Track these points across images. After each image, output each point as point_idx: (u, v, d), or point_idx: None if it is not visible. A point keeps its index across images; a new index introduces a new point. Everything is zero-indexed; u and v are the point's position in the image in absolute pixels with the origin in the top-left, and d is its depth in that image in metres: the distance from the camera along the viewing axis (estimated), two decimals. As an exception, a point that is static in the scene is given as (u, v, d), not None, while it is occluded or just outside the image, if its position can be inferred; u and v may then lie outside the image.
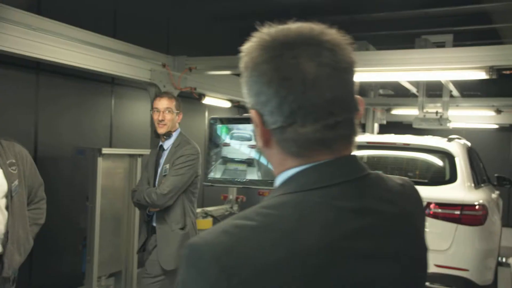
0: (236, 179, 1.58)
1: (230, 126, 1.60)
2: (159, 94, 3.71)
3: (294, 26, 0.87)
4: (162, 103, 3.65)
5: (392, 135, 5.29)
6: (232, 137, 1.58)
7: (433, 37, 6.48)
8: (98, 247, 4.93)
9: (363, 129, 11.28)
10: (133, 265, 5.47)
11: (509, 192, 10.99)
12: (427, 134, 6.31)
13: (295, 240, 0.76)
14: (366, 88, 9.72)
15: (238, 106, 8.19)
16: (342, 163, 0.86)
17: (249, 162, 1.58)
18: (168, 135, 3.68)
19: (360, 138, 5.31)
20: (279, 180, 0.90)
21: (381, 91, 10.30)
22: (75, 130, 5.78)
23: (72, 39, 4.49)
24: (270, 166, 1.56)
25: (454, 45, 6.43)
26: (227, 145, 1.59)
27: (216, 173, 1.60)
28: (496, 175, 6.73)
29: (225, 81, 6.76)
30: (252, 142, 1.60)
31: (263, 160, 1.58)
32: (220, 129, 1.58)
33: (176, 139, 3.71)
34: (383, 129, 9.89)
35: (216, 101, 7.03)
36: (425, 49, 5.12)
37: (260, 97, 0.85)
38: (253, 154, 1.57)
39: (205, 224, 6.45)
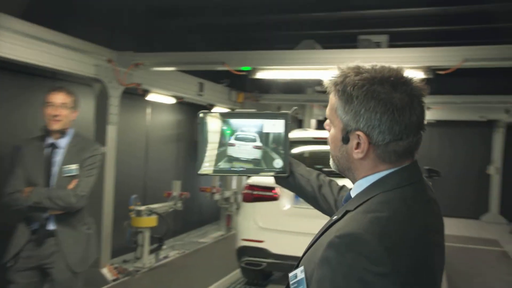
0: (232, 169, 1.65)
1: (235, 127, 1.63)
2: (55, 88, 3.35)
3: (386, 67, 1.20)
4: (58, 98, 3.31)
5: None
6: (236, 138, 1.63)
7: (370, 37, 6.78)
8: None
9: (300, 125, 11.60)
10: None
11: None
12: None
13: (414, 223, 1.10)
14: (303, 85, 9.98)
15: (182, 103, 8.11)
16: (415, 166, 1.22)
17: (255, 162, 1.65)
18: (62, 132, 3.37)
19: (306, 134, 5.48)
20: (368, 179, 1.21)
21: (318, 88, 10.60)
22: (11, 127, 5.46)
23: (7, 30, 4.23)
24: (276, 163, 1.60)
25: (390, 46, 6.78)
26: (232, 145, 1.64)
27: (214, 166, 1.65)
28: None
29: (170, 77, 6.68)
30: (257, 143, 1.66)
31: (266, 160, 1.66)
32: (225, 130, 1.63)
33: (74, 137, 3.42)
34: (321, 125, 10.23)
35: (160, 97, 6.93)
36: (369, 49, 5.38)
37: (372, 121, 1.14)
38: (258, 154, 1.65)
39: (149, 221, 6.34)
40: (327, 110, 1.28)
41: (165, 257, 7.18)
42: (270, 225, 5.06)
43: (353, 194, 1.25)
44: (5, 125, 5.45)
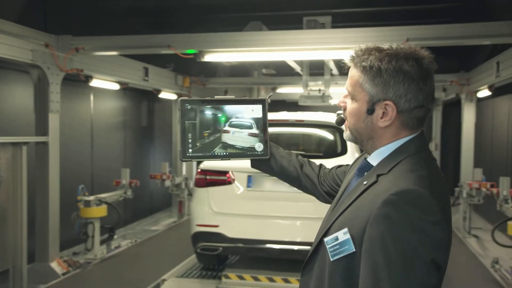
0: (215, 154, 1.64)
1: (229, 114, 1.63)
2: None
3: (403, 46, 1.35)
4: None
5: (285, 112, 5.53)
6: (231, 125, 1.64)
7: (316, 18, 6.83)
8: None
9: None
10: (22, 262, 5.06)
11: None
12: (312, 111, 6.69)
13: (442, 180, 1.34)
14: (249, 68, 9.96)
15: (127, 89, 7.87)
16: (424, 134, 1.40)
17: (249, 149, 1.67)
18: None
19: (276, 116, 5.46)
20: (388, 147, 1.37)
21: (264, 71, 10.61)
22: None
23: None
24: (258, 146, 1.69)
25: (333, 27, 6.87)
26: (226, 132, 1.64)
27: (198, 152, 1.64)
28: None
29: (113, 62, 6.45)
30: (253, 131, 1.66)
31: (259, 146, 1.69)
32: (220, 118, 1.63)
33: None
34: (268, 108, 10.25)
35: (103, 83, 6.68)
36: (315, 29, 5.41)
37: (400, 91, 1.30)
38: (254, 142, 1.66)
39: (99, 211, 6.17)
40: (348, 87, 1.39)
41: (117, 247, 7.02)
42: (225, 210, 5.04)
43: (373, 161, 1.39)
44: None
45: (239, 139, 1.65)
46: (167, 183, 8.41)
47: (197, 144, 1.61)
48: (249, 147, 1.67)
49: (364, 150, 1.45)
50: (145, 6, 5.95)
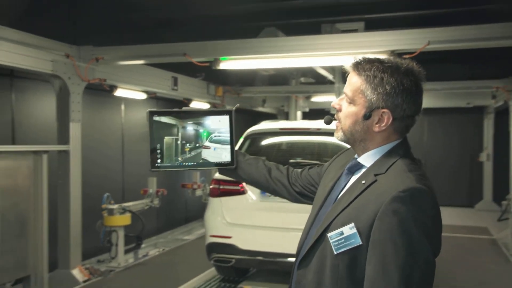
0: (183, 163, 1.69)
1: (212, 130, 1.69)
2: None
3: (399, 59, 1.50)
4: None
5: (305, 121, 5.34)
6: (211, 140, 1.70)
7: (344, 25, 6.58)
8: (-2, 252, 4.59)
9: (287, 117, 11.43)
10: (43, 269, 5.15)
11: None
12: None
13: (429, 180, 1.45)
14: (287, 76, 9.80)
15: (155, 98, 7.95)
16: (406, 139, 1.55)
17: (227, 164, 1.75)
18: None
19: (273, 125, 5.32)
20: (381, 149, 1.50)
21: (302, 79, 10.42)
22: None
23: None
24: (224, 156, 1.74)
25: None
26: (207, 147, 1.70)
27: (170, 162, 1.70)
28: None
29: (139, 71, 6.52)
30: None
31: (225, 156, 1.74)
32: (201, 133, 1.69)
33: None
34: (307, 117, 10.04)
35: (130, 93, 6.76)
36: (331, 34, 5.19)
37: (397, 101, 1.43)
38: (228, 158, 1.73)
39: (122, 220, 6.21)
40: (348, 91, 1.49)
41: (145, 256, 7.05)
42: (238, 220, 4.91)
43: (365, 162, 1.51)
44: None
45: (218, 155, 1.71)
46: (198, 192, 8.38)
47: (179, 158, 1.68)
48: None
49: (355, 150, 1.57)
50: (164, 17, 5.95)
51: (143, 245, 7.25)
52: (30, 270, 5.11)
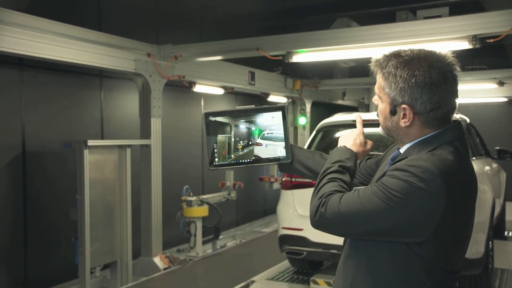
0: (239, 161, 1.74)
1: (263, 127, 1.73)
2: None
3: (422, 49, 1.47)
4: None
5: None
6: (263, 137, 1.74)
7: (428, 11, 6.28)
8: (89, 239, 4.97)
9: (367, 109, 11.12)
10: (127, 256, 5.50)
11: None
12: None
13: (466, 167, 1.47)
14: (368, 68, 9.54)
15: (234, 93, 8.12)
16: (457, 126, 1.51)
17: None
18: None
19: (346, 117, 5.21)
20: (417, 141, 1.49)
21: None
22: (64, 124, 5.80)
23: (52, 33, 4.49)
24: (279, 151, 1.77)
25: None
26: (259, 144, 1.75)
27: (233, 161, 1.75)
28: (496, 148, 6.55)
29: (216, 67, 6.70)
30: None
31: (280, 151, 1.77)
32: (253, 131, 1.74)
33: None
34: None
35: (208, 88, 6.97)
36: (406, 22, 4.97)
37: (414, 95, 1.42)
38: (283, 153, 1.76)
39: (200, 211, 6.45)
40: (376, 89, 1.53)
41: (222, 247, 7.26)
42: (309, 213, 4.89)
43: (405, 152, 1.51)
44: (66, 124, 5.81)
45: (271, 151, 1.75)
46: (276, 185, 8.45)
47: (232, 155, 1.73)
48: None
49: (397, 143, 1.60)
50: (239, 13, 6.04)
51: (221, 237, 7.48)
52: (116, 256, 5.49)
